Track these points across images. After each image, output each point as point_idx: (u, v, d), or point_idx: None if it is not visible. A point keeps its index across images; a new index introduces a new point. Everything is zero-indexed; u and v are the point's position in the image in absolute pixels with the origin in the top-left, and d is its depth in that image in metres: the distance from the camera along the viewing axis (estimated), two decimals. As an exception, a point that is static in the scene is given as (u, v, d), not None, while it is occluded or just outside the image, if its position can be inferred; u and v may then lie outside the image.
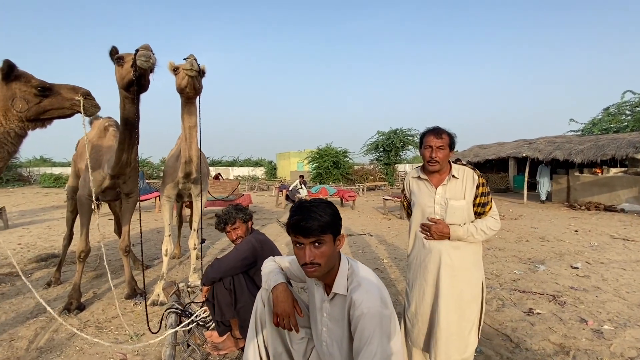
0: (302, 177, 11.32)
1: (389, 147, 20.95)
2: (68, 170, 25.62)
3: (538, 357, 2.32)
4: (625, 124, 12.45)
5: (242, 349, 2.09)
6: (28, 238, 6.60)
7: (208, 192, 9.02)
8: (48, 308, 2.21)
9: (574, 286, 3.64)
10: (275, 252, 2.16)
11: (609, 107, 13.57)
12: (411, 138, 20.80)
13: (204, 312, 2.13)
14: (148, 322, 2.28)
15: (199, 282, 2.77)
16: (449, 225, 1.67)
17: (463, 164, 1.79)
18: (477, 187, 1.70)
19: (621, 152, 9.20)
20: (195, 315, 2.14)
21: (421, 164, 1.88)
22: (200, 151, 3.85)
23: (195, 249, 3.60)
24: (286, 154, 35.43)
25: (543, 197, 11.64)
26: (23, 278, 2.13)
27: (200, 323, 2.12)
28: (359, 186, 17.15)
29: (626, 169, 10.58)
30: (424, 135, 1.77)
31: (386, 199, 9.39)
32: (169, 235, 3.50)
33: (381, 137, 21.56)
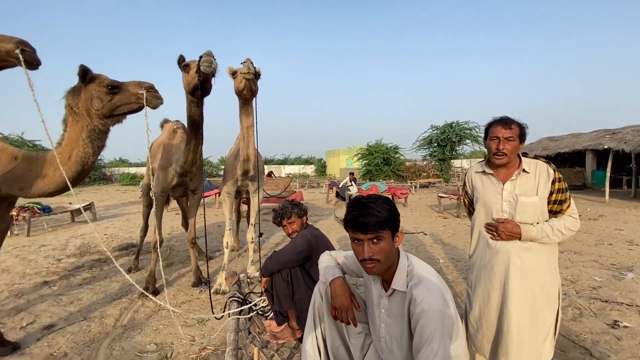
0: (352, 174, 11.29)
1: (444, 141, 19.92)
2: (142, 170, 28.73)
3: (626, 375, 2.05)
4: None
5: (299, 339, 2.16)
6: (112, 229, 7.52)
7: (263, 190, 9.45)
8: (146, 293, 2.50)
9: (672, 298, 3.12)
10: (329, 246, 2.19)
11: None
12: (469, 132, 19.55)
13: (263, 301, 2.25)
14: (212, 309, 2.47)
15: (257, 274, 2.92)
16: (519, 225, 1.54)
17: (536, 157, 1.63)
18: (553, 182, 1.53)
19: None
20: (255, 304, 2.27)
21: (483, 159, 1.75)
22: (257, 150, 4.05)
23: (252, 242, 3.80)
24: (335, 152, 35.55)
25: None
26: (118, 266, 2.43)
27: (260, 312, 2.24)
28: (411, 183, 16.59)
29: None
30: (489, 126, 1.64)
31: (441, 197, 8.96)
32: (230, 229, 3.74)
33: (435, 132, 20.60)
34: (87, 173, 2.29)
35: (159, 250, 2.88)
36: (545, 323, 1.54)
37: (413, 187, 15.46)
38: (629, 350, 2.29)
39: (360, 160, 22.22)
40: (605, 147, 10.49)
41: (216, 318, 2.30)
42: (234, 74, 2.82)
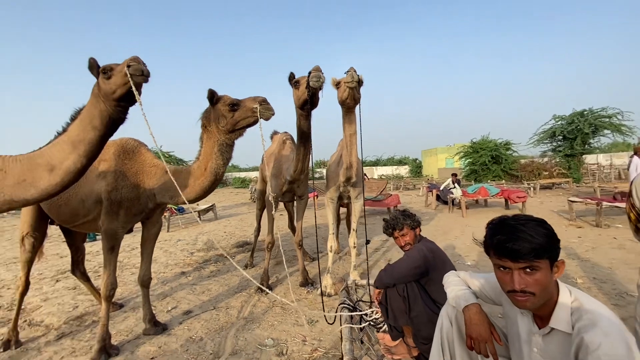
0: (454, 175, 10.37)
1: (572, 133, 16.65)
2: (250, 174, 32.45)
3: None
4: None
5: (415, 358, 2.03)
6: (229, 228, 8.59)
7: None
8: (269, 291, 2.75)
9: None
10: (447, 263, 2.00)
11: None
12: (607, 120, 15.93)
13: (376, 313, 2.19)
14: (325, 315, 2.54)
15: (362, 281, 2.89)
16: None
17: None
18: None
19: None
20: (368, 314, 2.23)
21: (634, 152, 1.33)
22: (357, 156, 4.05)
23: (354, 247, 3.80)
24: (432, 150, 33.49)
25: None
26: (234, 264, 2.71)
27: (372, 323, 2.20)
28: (528, 184, 14.34)
29: None
30: None
31: (573, 201, 7.44)
32: (333, 233, 3.82)
33: (560, 123, 17.41)
34: (219, 182, 2.62)
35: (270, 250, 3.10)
36: None
37: (531, 188, 13.33)
38: None
39: (463, 158, 20.29)
40: None
41: (328, 323, 2.35)
42: (337, 84, 2.86)
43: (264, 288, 2.59)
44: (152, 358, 2.55)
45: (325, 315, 2.46)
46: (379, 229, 7.25)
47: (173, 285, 4.27)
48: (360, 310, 2.25)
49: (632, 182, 1.50)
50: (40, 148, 1.93)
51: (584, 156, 17.39)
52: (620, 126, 15.85)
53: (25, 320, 3.32)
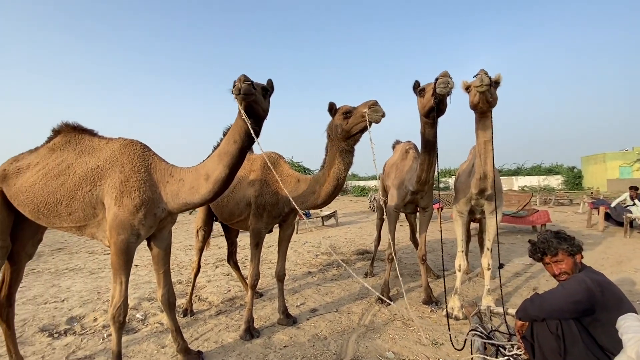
0: (635, 189, 7.94)
1: None
2: (369, 183, 32.92)
3: None
4: None
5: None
6: (349, 235, 8.89)
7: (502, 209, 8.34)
8: (393, 304, 2.76)
9: None
10: (624, 302, 1.55)
11: None
12: None
13: (517, 348, 1.87)
14: (451, 337, 2.33)
15: (499, 308, 2.52)
16: None
17: None
18: None
19: None
20: (504, 347, 1.93)
21: None
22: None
23: (489, 269, 3.36)
24: (599, 157, 26.64)
25: None
26: (352, 274, 2.77)
27: (512, 359, 1.88)
28: None
29: None
30: None
31: None
32: (462, 251, 3.48)
33: None
34: (341, 187, 2.76)
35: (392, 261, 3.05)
36: None
37: None
38: None
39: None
40: None
41: (456, 348, 2.14)
42: (467, 88, 2.63)
43: (384, 299, 2.57)
44: (284, 346, 2.87)
45: (451, 339, 2.24)
46: (520, 249, 6.18)
47: (301, 283, 4.70)
48: (497, 341, 1.96)
49: None
50: (203, 161, 2.38)
51: None
52: None
53: (197, 295, 4.25)
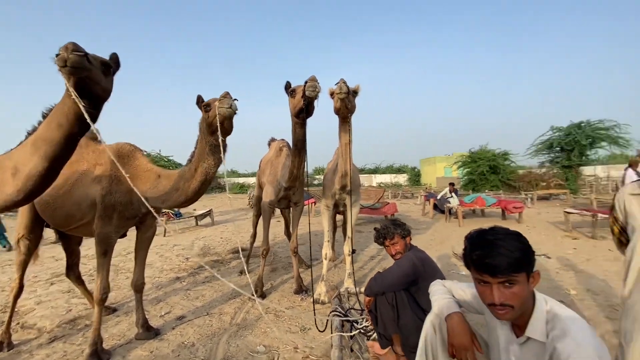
0: (452, 184, 10.42)
1: (570, 145, 16.80)
2: (249, 180, 32.57)
3: None
4: None
5: (404, 366, 2.04)
6: (226, 233, 8.59)
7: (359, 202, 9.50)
8: (258, 301, 2.76)
9: None
10: (437, 271, 2.02)
11: None
12: (605, 132, 16.07)
13: (366, 320, 2.20)
14: (316, 321, 2.55)
15: (356, 289, 2.90)
16: None
17: None
18: None
19: None
20: (357, 322, 2.24)
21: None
22: (353, 164, 4.08)
23: (349, 254, 3.82)
24: (431, 159, 33.58)
25: None
26: (216, 274, 2.70)
27: (362, 331, 2.20)
28: (525, 195, 14.39)
29: None
30: None
31: (570, 212, 7.48)
32: (328, 241, 3.84)
33: (557, 134, 17.57)
34: (209, 183, 2.60)
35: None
36: None
37: (529, 199, 13.37)
38: None
39: (461, 168, 20.37)
40: None
41: (319, 330, 2.36)
42: (332, 94, 2.93)
43: (251, 297, 2.56)
44: (143, 363, 2.55)
45: (316, 323, 2.47)
46: (375, 237, 7.26)
47: (167, 290, 4.27)
48: (352, 319, 2.27)
49: (615, 195, 1.53)
50: (10, 150, 1.77)
51: (581, 168, 17.48)
52: (617, 138, 16.00)
53: (18, 323, 3.32)
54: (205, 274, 4.94)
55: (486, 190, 17.26)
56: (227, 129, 2.39)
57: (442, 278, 1.99)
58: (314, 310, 2.54)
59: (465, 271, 4.60)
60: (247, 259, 4.99)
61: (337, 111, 2.99)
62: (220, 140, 2.39)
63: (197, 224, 10.15)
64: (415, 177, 36.03)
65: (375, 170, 41.98)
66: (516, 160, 19.62)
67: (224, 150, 2.40)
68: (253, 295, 2.59)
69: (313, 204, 9.99)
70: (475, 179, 18.89)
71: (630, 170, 7.62)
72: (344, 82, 2.78)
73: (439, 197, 10.37)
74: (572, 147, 16.63)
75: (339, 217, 6.43)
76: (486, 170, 18.56)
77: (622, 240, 1.49)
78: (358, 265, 5.26)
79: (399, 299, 1.93)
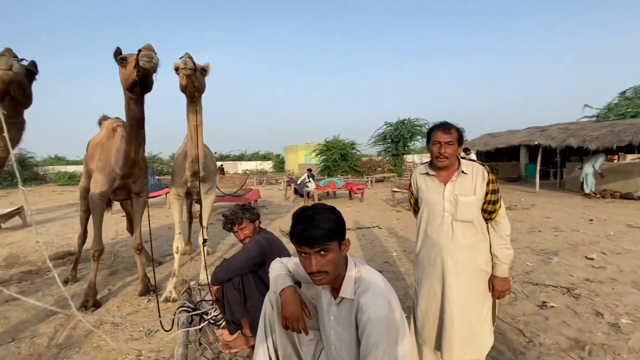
0: (310, 170, 11.32)
1: (397, 138, 20.80)
2: (82, 168, 26.21)
3: (552, 352, 2.29)
4: (644, 108, 12.00)
5: (253, 347, 2.11)
6: (46, 236, 6.78)
7: (217, 187, 9.12)
8: (79, 316, 2.26)
9: (589, 278, 3.57)
10: (284, 251, 2.16)
11: (625, 91, 13.08)
12: (419, 128, 20.59)
13: (215, 310, 2.16)
14: (161, 321, 2.33)
15: (207, 280, 2.80)
16: (503, 278, 1.69)
17: (472, 160, 1.74)
18: (488, 183, 1.65)
19: (639, 138, 8.90)
20: (206, 313, 2.17)
21: (429, 160, 1.85)
22: (207, 148, 3.87)
23: (205, 245, 3.64)
24: (294, 147, 35.43)
25: (588, 190, 9.72)
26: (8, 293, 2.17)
27: (212, 321, 2.15)
28: (367, 178, 17.08)
29: (644, 155, 10.25)
30: (431, 131, 1.73)
31: (395, 191, 9.33)
32: (179, 233, 3.55)
33: (389, 128, 21.40)
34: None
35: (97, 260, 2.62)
36: (482, 313, 1.68)
37: (369, 182, 15.93)
38: (554, 329, 2.57)
39: (319, 156, 22.37)
40: (536, 143, 11.63)
41: (165, 330, 2.17)
42: (176, 69, 2.66)
43: (68, 312, 2.10)
44: None
45: (161, 323, 2.26)
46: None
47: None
48: (202, 311, 2.18)
49: (411, 175, 1.98)
50: None
51: (405, 156, 21.96)
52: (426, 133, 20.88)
53: None
54: (12, 289, 3.77)
55: (338, 175, 19.58)
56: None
57: (289, 256, 2.14)
58: (159, 310, 2.31)
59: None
60: (75, 264, 4.08)
61: (184, 89, 2.74)
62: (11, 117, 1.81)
63: (0, 228, 7.60)
64: (280, 164, 37.34)
65: (241, 157, 41.21)
66: (361, 149, 22.95)
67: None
68: (73, 309, 2.11)
69: (169, 194, 8.98)
70: (330, 166, 21.16)
71: (464, 154, 10.38)
72: (190, 57, 2.56)
73: (298, 182, 11.10)
74: (399, 139, 20.68)
75: (197, 207, 6.03)
76: (338, 158, 21.03)
77: (416, 209, 1.96)
78: (218, 255, 5.10)
79: (245, 282, 1.97)
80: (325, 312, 1.29)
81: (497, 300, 1.77)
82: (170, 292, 3.25)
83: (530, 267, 4.00)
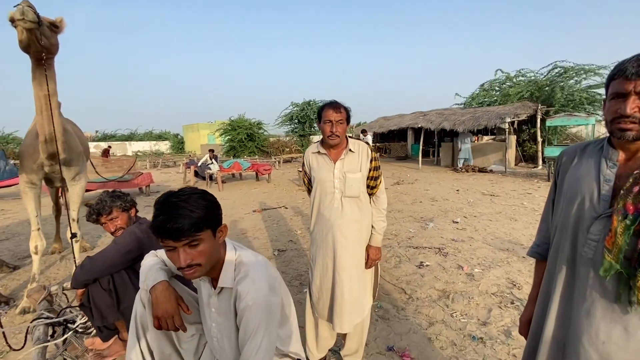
0: (212, 151, 10.60)
1: (303, 118, 21.11)
2: None
3: (426, 303, 2.70)
4: (495, 98, 14.83)
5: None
6: None
7: (97, 172, 7.79)
8: None
9: (454, 238, 4.30)
10: None
11: (484, 84, 15.91)
12: (323, 109, 21.32)
13: (82, 317, 1.82)
14: (6, 338, 1.86)
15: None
16: (374, 247, 1.83)
17: (357, 138, 1.83)
18: (371, 161, 1.76)
19: (492, 123, 11.01)
20: (72, 321, 1.82)
21: (320, 139, 1.87)
22: (72, 124, 3.22)
23: (76, 241, 3.07)
24: (194, 126, 32.74)
25: (460, 165, 11.76)
26: None
27: (80, 330, 1.81)
28: (275, 159, 16.98)
29: (494, 136, 12.78)
30: (322, 110, 1.74)
31: (300, 171, 9.50)
32: (38, 229, 2.91)
33: (295, 109, 21.51)
34: None
35: None
36: (364, 279, 1.83)
37: (277, 162, 15.87)
38: (428, 284, 3.02)
39: (223, 135, 21.13)
40: (419, 126, 13.31)
41: (13, 349, 1.73)
42: (12, 21, 2.05)
43: None
44: None
45: (7, 341, 1.80)
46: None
47: None
48: (66, 320, 1.81)
49: (303, 155, 1.98)
50: None
51: (311, 137, 22.55)
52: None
53: None
54: None
55: (245, 156, 18.96)
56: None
57: None
58: (1, 325, 1.81)
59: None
60: None
61: (25, 48, 2.16)
62: None
63: None
64: (179, 144, 34.02)
65: (130, 137, 36.09)
66: (268, 129, 22.58)
67: None
68: None
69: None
70: (236, 146, 20.26)
71: (362, 136, 11.35)
72: (29, 6, 2.00)
73: (199, 164, 10.30)
74: (305, 120, 21.02)
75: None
76: (244, 138, 20.26)
77: (310, 188, 1.97)
78: (98, 250, 4.39)
79: (118, 281, 1.69)
80: (205, 305, 1.18)
81: (378, 265, 1.95)
82: (27, 301, 2.65)
83: (412, 233, 4.60)
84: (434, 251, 3.87)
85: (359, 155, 1.76)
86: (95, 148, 31.20)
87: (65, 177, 2.97)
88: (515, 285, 2.97)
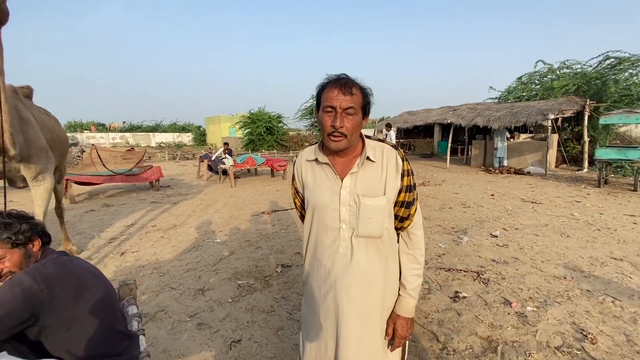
0: (226, 144, 10.16)
1: (324, 112, 20.45)
2: None
3: (466, 359, 2.02)
4: (535, 92, 13.50)
5: None
6: None
7: (104, 166, 7.50)
8: None
9: (495, 259, 3.55)
10: (88, 289, 1.24)
11: (521, 77, 14.55)
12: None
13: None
14: None
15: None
16: (405, 318, 1.14)
17: (381, 140, 1.15)
18: (402, 176, 1.09)
19: (532, 119, 9.90)
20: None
21: (319, 141, 1.21)
22: (43, 112, 2.75)
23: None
24: (216, 118, 32.79)
25: (497, 164, 10.81)
26: None
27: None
28: (294, 153, 16.44)
29: (533, 134, 11.59)
30: (322, 90, 1.07)
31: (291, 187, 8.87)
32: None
33: (315, 102, 20.89)
34: None
35: None
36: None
37: (295, 157, 15.33)
38: (467, 328, 2.33)
39: (243, 128, 20.80)
40: (448, 121, 12.31)
41: None
42: None
43: None
44: None
45: None
46: (128, 209, 5.91)
47: None
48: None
49: (294, 164, 1.34)
50: None
51: (332, 131, 21.84)
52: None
53: None
54: None
55: (263, 150, 18.55)
56: None
57: (108, 291, 1.32)
58: None
59: (220, 238, 4.34)
60: None
61: None
62: None
63: None
64: (200, 136, 34.23)
65: (155, 128, 36.73)
66: (288, 122, 22.06)
67: None
68: None
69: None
70: (255, 140, 19.89)
71: (386, 131, 10.68)
72: None
73: (213, 158, 9.90)
74: (326, 113, 20.36)
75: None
76: (263, 131, 19.84)
77: (303, 214, 1.27)
78: (88, 253, 3.99)
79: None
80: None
81: (406, 343, 1.27)
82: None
83: (442, 249, 3.88)
84: (471, 276, 3.14)
85: (382, 166, 1.08)
86: (120, 139, 32.07)
87: (27, 176, 2.49)
88: (586, 335, 2.23)
